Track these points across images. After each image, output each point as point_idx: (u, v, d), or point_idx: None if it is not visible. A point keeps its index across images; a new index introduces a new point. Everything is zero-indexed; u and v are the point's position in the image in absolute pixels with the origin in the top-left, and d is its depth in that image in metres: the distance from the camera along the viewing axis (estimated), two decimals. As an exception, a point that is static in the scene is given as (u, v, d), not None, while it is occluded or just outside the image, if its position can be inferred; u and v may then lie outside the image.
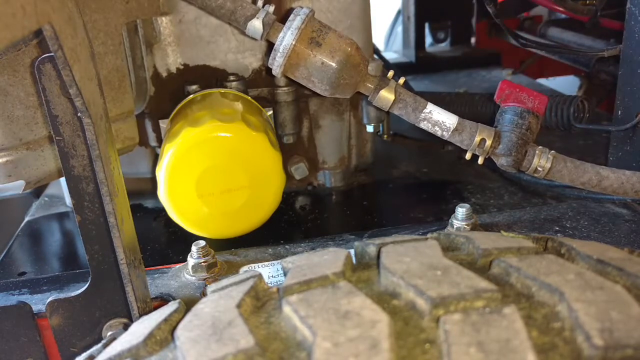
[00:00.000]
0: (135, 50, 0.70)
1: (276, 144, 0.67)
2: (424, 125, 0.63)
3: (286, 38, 0.60)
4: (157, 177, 0.63)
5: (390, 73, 0.64)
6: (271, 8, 0.63)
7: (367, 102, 0.78)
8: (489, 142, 0.61)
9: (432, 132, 0.63)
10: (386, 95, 0.62)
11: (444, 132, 0.62)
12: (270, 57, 0.61)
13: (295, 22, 0.60)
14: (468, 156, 0.63)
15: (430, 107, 0.62)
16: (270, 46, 0.71)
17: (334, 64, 0.60)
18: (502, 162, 0.62)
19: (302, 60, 0.60)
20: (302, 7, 0.62)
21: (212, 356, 0.30)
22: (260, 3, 0.63)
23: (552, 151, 0.63)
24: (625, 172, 0.62)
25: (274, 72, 0.62)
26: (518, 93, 0.64)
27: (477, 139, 0.61)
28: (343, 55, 0.60)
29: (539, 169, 0.62)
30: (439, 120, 0.62)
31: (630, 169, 0.64)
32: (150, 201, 0.84)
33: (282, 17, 0.69)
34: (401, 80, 0.65)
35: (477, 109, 0.89)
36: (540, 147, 0.63)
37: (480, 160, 0.63)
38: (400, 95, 0.62)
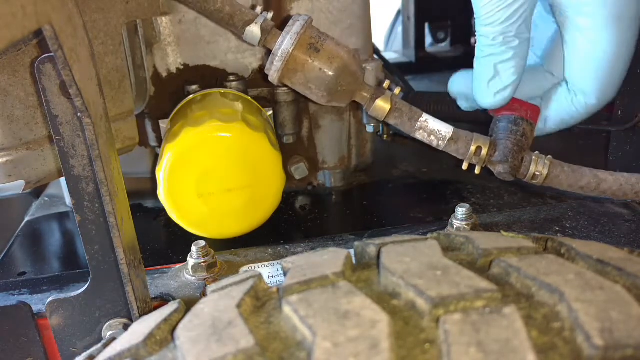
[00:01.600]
0: (135, 51, 0.70)
1: (276, 144, 0.67)
2: (419, 134, 0.63)
3: (285, 43, 0.60)
4: (157, 177, 0.63)
5: (387, 83, 0.65)
6: (269, 14, 0.63)
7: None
8: (485, 150, 0.61)
9: (427, 142, 0.63)
10: (382, 105, 0.62)
11: (440, 142, 0.62)
12: (268, 62, 0.61)
13: (294, 28, 0.60)
14: (465, 166, 0.63)
15: (425, 116, 0.63)
16: (268, 51, 0.71)
17: (332, 71, 0.60)
18: (499, 169, 0.62)
19: (300, 66, 0.60)
20: (300, 14, 0.62)
21: (212, 356, 0.30)
22: (259, 9, 0.63)
23: (549, 156, 0.63)
24: (624, 174, 0.62)
25: (270, 78, 0.62)
26: (510, 103, 0.64)
27: (473, 147, 0.61)
28: (341, 62, 0.61)
29: (536, 174, 0.62)
30: (435, 129, 0.62)
31: (631, 169, 0.64)
32: (150, 201, 0.84)
33: (280, 24, 0.69)
34: (397, 90, 0.65)
35: (477, 111, 0.89)
36: (536, 152, 0.63)
37: (477, 170, 0.63)
38: (396, 105, 0.63)
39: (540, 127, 0.67)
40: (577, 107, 0.63)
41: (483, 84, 0.63)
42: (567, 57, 0.61)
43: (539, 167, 0.62)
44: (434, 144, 0.63)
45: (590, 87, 0.61)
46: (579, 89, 0.62)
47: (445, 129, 0.62)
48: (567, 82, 0.63)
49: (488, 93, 0.63)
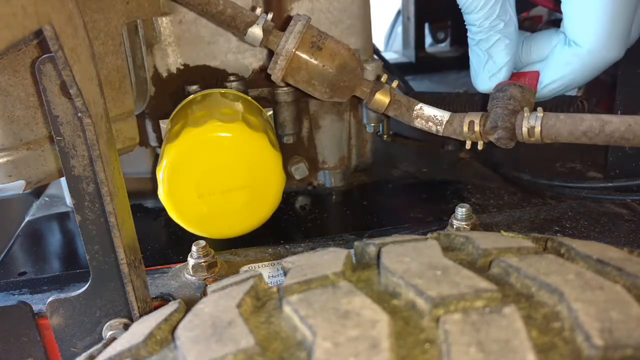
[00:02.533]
0: (135, 51, 0.70)
1: (276, 144, 0.67)
2: (418, 123, 0.64)
3: (288, 42, 0.61)
4: (157, 177, 0.63)
5: (384, 77, 0.66)
6: (270, 15, 0.64)
7: (367, 103, 0.78)
8: (477, 124, 0.61)
9: (426, 128, 0.64)
10: (381, 98, 0.64)
11: (438, 127, 0.63)
12: (272, 62, 0.63)
13: (296, 27, 0.62)
14: (468, 145, 0.63)
15: (420, 104, 0.64)
16: (270, 51, 0.72)
17: (334, 67, 0.62)
18: (495, 137, 0.60)
19: (304, 64, 0.62)
20: (300, 15, 0.64)
21: (212, 356, 0.30)
22: (259, 10, 0.64)
23: (539, 107, 0.60)
24: (634, 117, 0.56)
25: (273, 77, 0.63)
26: (512, 78, 0.66)
27: (466, 123, 0.62)
28: (342, 59, 0.62)
29: (530, 130, 0.58)
30: (431, 114, 0.63)
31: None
32: (150, 201, 0.84)
33: (280, 24, 0.70)
34: (394, 84, 0.66)
35: (477, 109, 0.89)
36: (526, 108, 0.60)
37: (480, 146, 0.63)
38: (394, 97, 0.64)
39: (538, 88, 0.65)
40: (569, 58, 0.60)
41: (479, 70, 0.65)
42: (564, 6, 0.60)
43: (531, 122, 0.58)
44: (433, 129, 0.64)
45: (582, 33, 0.58)
46: (572, 38, 0.60)
47: (440, 114, 0.63)
48: (565, 35, 0.61)
49: (484, 77, 0.65)
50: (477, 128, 0.61)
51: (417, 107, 0.64)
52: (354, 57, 0.64)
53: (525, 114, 0.59)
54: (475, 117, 0.62)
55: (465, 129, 0.62)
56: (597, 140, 0.56)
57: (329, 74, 0.62)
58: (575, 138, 0.57)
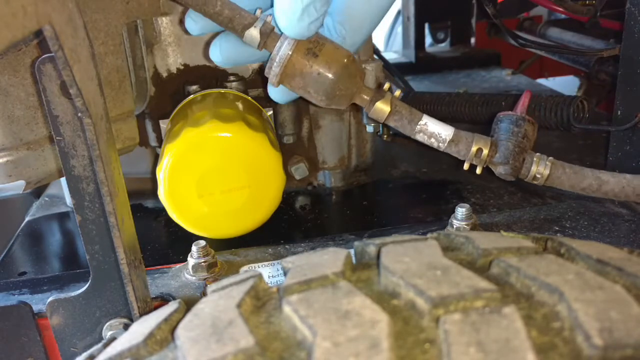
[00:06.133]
0: (135, 51, 0.70)
1: (276, 144, 0.67)
2: (420, 137, 0.62)
3: (283, 48, 0.59)
4: (157, 177, 0.63)
5: (387, 85, 0.64)
6: (269, 17, 0.63)
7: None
8: (485, 152, 0.61)
9: (428, 143, 0.63)
10: (382, 107, 0.62)
11: (440, 144, 0.62)
12: (267, 67, 0.61)
13: None
14: (466, 166, 0.63)
15: (425, 119, 0.62)
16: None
17: (330, 75, 0.59)
18: (500, 170, 0.62)
19: (298, 71, 0.60)
20: None
21: (212, 356, 0.30)
22: (258, 12, 0.63)
23: (550, 157, 0.63)
24: (626, 176, 0.62)
25: (270, 82, 0.62)
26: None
27: (474, 149, 0.61)
28: (339, 66, 0.60)
29: (537, 175, 0.62)
30: (435, 131, 0.62)
31: (630, 169, 0.64)
32: (150, 201, 0.84)
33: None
34: (397, 93, 0.65)
35: (477, 109, 0.89)
36: (538, 154, 0.63)
37: (478, 170, 0.63)
38: (395, 108, 0.62)
39: None
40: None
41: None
42: None
43: (540, 169, 0.62)
44: (435, 145, 0.63)
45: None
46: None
47: (445, 132, 0.62)
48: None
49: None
50: (484, 156, 0.62)
51: (422, 122, 0.62)
52: (353, 64, 0.61)
53: (535, 158, 0.62)
54: (485, 145, 0.61)
55: (472, 154, 0.62)
56: (592, 195, 0.64)
57: (325, 82, 0.60)
58: (573, 190, 0.63)
